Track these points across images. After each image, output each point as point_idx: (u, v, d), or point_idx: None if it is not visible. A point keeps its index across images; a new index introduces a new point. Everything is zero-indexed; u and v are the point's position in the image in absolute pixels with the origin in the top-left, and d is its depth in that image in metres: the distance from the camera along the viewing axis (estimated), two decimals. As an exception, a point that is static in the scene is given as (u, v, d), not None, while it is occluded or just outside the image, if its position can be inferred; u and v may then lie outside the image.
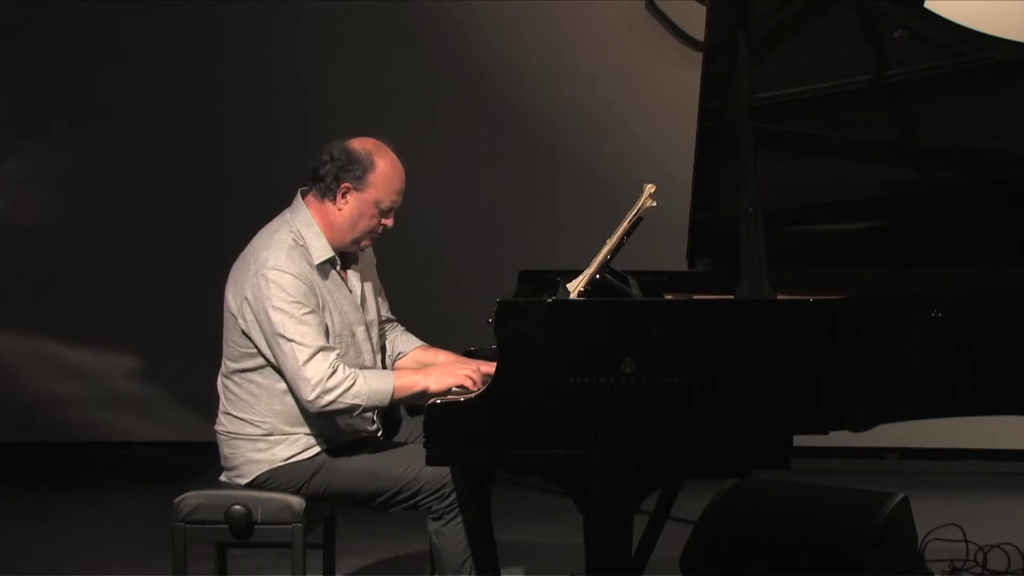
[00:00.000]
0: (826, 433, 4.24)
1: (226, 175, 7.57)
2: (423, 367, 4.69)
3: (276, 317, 4.42)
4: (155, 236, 7.60)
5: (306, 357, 4.40)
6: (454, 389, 4.45)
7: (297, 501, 4.56)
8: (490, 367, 4.51)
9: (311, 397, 4.40)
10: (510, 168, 7.57)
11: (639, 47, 7.47)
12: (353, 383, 4.41)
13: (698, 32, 6.58)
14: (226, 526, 4.57)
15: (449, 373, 4.47)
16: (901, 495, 5.10)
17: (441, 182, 7.44)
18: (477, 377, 4.44)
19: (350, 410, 4.44)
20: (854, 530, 4.81)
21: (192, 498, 4.59)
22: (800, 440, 4.17)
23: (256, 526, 4.57)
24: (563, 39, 7.51)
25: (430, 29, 7.54)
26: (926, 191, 4.91)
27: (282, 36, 7.57)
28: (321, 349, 4.42)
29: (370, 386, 4.42)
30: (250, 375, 4.55)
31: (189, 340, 7.49)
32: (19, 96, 7.63)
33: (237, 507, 4.56)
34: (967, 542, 5.63)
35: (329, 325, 4.52)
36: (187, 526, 4.59)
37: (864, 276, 4.91)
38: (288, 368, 4.43)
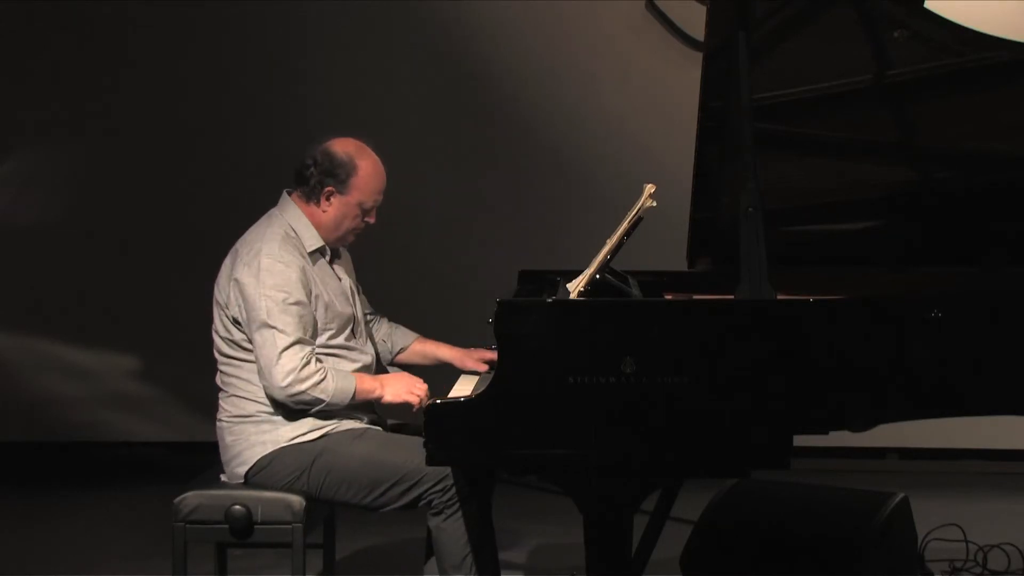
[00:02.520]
0: (826, 433, 4.23)
1: (226, 175, 7.57)
2: (428, 359, 4.98)
3: (263, 304, 4.53)
4: (155, 236, 7.60)
5: (285, 345, 4.52)
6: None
7: (297, 501, 4.57)
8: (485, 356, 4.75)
9: (283, 384, 4.51)
10: (510, 168, 7.57)
11: (639, 47, 7.47)
12: (323, 378, 4.55)
13: (698, 32, 6.58)
14: (226, 526, 4.58)
15: (405, 388, 4.63)
16: (901, 495, 5.09)
17: (441, 182, 7.45)
18: (424, 397, 4.58)
19: (314, 403, 4.56)
20: (854, 530, 4.81)
21: (192, 498, 4.60)
22: (800, 440, 4.17)
23: (256, 526, 4.58)
24: (563, 39, 7.51)
25: (430, 29, 7.54)
26: (926, 191, 4.90)
27: (283, 37, 7.56)
28: (299, 341, 4.54)
29: (336, 384, 4.57)
30: (249, 355, 4.61)
31: (189, 340, 7.46)
32: (19, 96, 7.63)
33: (237, 507, 4.56)
34: (967, 542, 5.63)
35: (322, 312, 4.63)
36: (187, 526, 4.59)
37: (864, 276, 4.91)
38: (264, 354, 4.54)
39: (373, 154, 4.70)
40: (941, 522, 5.68)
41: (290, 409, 4.60)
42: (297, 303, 4.55)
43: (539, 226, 7.50)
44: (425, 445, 4.18)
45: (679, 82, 7.13)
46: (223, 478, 4.70)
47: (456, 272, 7.50)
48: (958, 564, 5.59)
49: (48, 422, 7.69)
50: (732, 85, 4.43)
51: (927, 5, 4.69)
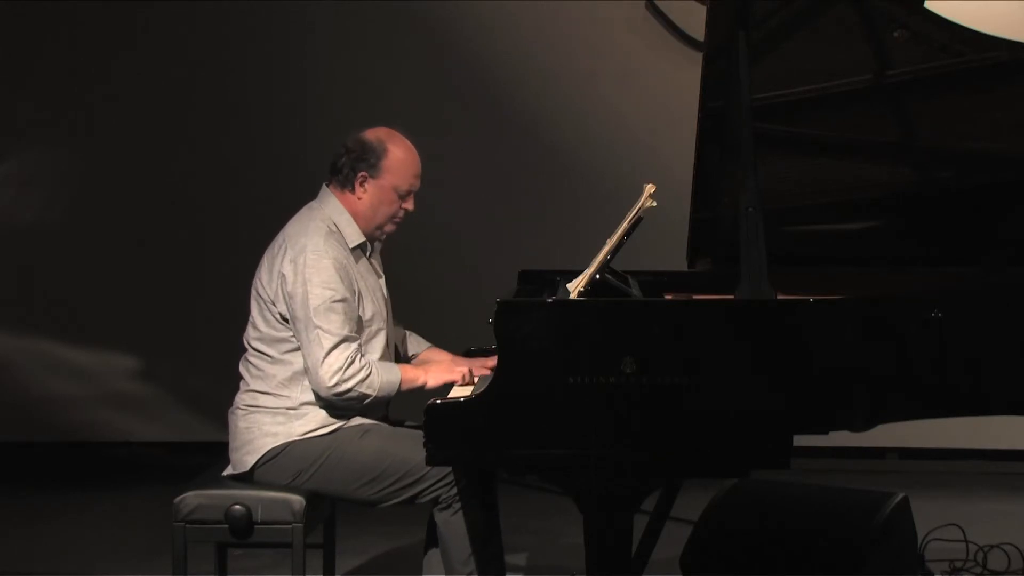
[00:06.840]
0: (826, 433, 4.24)
1: (228, 175, 7.56)
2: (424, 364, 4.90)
3: (310, 301, 4.56)
4: (155, 236, 7.60)
5: (331, 345, 4.54)
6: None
7: (297, 500, 4.57)
8: (486, 365, 4.69)
9: (330, 383, 4.54)
10: (510, 168, 7.57)
11: (639, 47, 7.47)
12: (369, 374, 4.57)
13: (698, 32, 6.57)
14: (226, 526, 4.58)
15: (446, 370, 4.69)
16: (901, 495, 5.09)
17: (441, 182, 7.43)
18: (467, 375, 4.66)
19: (361, 399, 4.58)
20: (854, 530, 4.81)
21: (192, 498, 4.60)
22: (800, 440, 4.17)
23: (256, 526, 4.58)
24: (563, 39, 7.51)
25: (430, 28, 7.54)
26: (926, 191, 4.91)
27: (287, 36, 7.56)
28: (345, 339, 4.56)
29: (382, 378, 4.59)
30: (289, 356, 4.62)
31: (189, 340, 7.50)
32: (20, 95, 7.63)
33: (237, 507, 4.56)
34: (967, 542, 5.63)
35: (362, 309, 4.66)
36: (187, 526, 4.59)
37: (864, 276, 4.91)
38: (311, 354, 4.56)
39: (405, 140, 4.75)
40: (941, 522, 5.68)
41: (311, 407, 4.61)
42: (343, 300, 4.57)
43: (539, 226, 7.49)
44: (425, 445, 4.19)
45: (679, 82, 7.12)
46: (227, 471, 4.70)
47: (456, 272, 7.49)
48: (958, 564, 5.59)
49: (48, 422, 7.68)
50: (732, 85, 4.43)
51: (927, 5, 4.70)
